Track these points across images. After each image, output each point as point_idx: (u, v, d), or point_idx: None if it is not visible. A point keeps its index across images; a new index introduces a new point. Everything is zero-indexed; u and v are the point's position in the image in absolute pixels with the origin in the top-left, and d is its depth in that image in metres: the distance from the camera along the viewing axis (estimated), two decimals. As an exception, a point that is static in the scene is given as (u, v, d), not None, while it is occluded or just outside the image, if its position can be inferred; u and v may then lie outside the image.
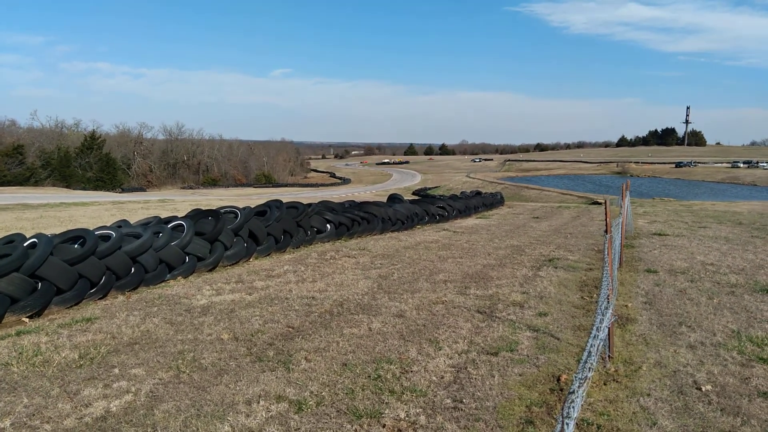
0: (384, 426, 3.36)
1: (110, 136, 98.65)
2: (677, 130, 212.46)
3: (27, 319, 5.48)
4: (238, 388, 3.88)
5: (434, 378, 4.10)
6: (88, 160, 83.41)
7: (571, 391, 1.74)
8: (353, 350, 4.68)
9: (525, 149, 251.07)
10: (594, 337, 2.56)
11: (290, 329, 5.25)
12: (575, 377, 2.61)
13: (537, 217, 18.91)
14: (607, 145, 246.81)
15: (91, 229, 6.95)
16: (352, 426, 3.36)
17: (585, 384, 1.99)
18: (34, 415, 3.40)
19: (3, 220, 17.24)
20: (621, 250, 8.36)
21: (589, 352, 2.23)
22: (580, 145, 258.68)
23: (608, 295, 3.76)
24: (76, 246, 6.33)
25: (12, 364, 4.18)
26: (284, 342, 4.87)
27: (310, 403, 3.66)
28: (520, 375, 4.18)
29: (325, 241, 11.13)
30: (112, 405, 3.55)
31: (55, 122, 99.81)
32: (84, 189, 70.52)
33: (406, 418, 3.46)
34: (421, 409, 3.58)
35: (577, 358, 4.50)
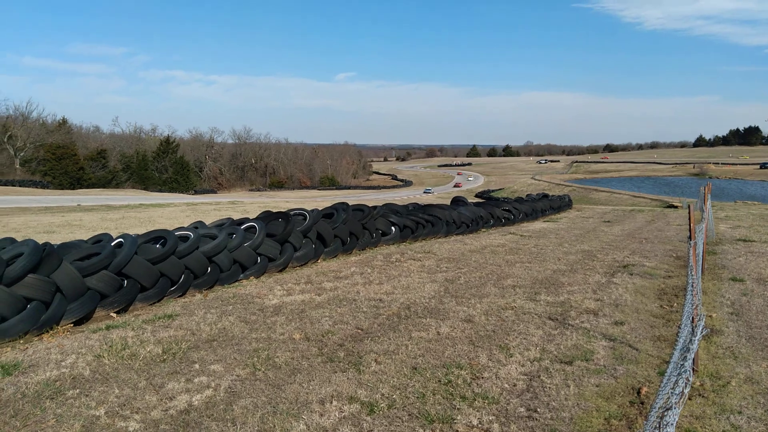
0: (457, 432, 3.33)
1: (184, 141, 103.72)
2: (761, 128, 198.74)
3: (115, 315, 5.83)
4: (311, 387, 3.96)
5: (506, 385, 4.03)
6: (164, 164, 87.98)
7: (668, 407, 1.66)
8: (422, 354, 4.67)
9: (594, 150, 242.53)
10: (685, 349, 2.42)
11: (359, 331, 5.31)
12: (660, 392, 2.48)
13: (608, 221, 18.20)
14: (683, 145, 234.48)
15: (171, 229, 7.31)
16: (424, 430, 3.35)
17: (682, 399, 1.89)
18: (124, 405, 3.61)
19: (90, 221, 18.46)
20: (703, 257, 7.90)
21: (682, 366, 2.11)
22: (653, 146, 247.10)
23: (696, 305, 3.56)
24: (157, 246, 6.67)
25: (104, 356, 4.46)
26: (354, 343, 4.93)
27: (382, 405, 3.68)
28: (597, 386, 4.03)
29: (390, 243, 11.18)
30: (194, 399, 3.72)
31: (134, 128, 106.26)
32: (160, 191, 74.44)
33: (479, 425, 3.42)
34: (494, 417, 3.52)
35: (658, 371, 4.29)
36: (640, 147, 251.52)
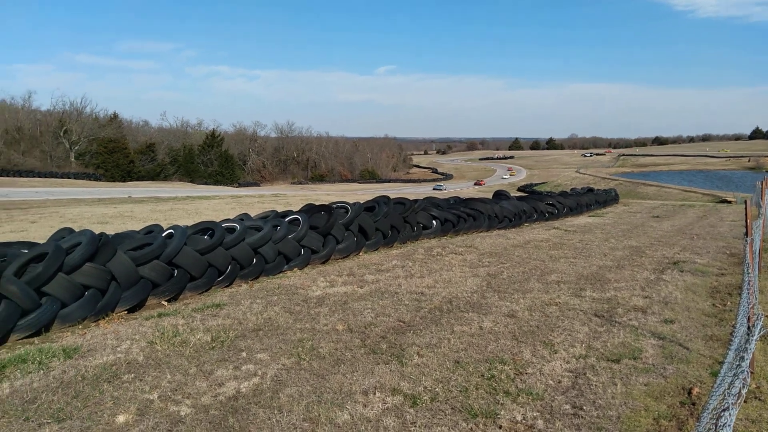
0: (500, 427, 3.32)
1: (228, 135, 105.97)
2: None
3: (166, 303, 6.05)
4: (354, 378, 4.02)
5: (551, 382, 3.98)
6: (209, 157, 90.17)
7: (725, 408, 1.61)
8: (465, 348, 4.66)
9: (642, 143, 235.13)
10: (741, 349, 2.34)
11: (401, 323, 5.33)
12: (714, 392, 2.41)
13: (657, 216, 17.63)
14: (737, 137, 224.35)
15: (218, 221, 7.51)
16: (467, 424, 3.35)
17: (738, 401, 1.83)
18: (176, 390, 3.75)
19: (141, 212, 19.15)
20: (760, 255, 7.57)
21: (738, 366, 2.04)
22: (705, 138, 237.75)
23: (753, 305, 3.43)
24: (206, 237, 6.87)
25: (156, 343, 4.64)
26: (396, 336, 4.96)
27: (425, 398, 3.70)
28: (645, 385, 3.93)
29: (431, 237, 11.16)
30: (242, 386, 3.83)
31: (181, 122, 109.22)
32: (206, 183, 76.41)
33: (523, 421, 3.39)
34: (538, 413, 3.49)
35: (711, 371, 4.15)
36: (691, 139, 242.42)
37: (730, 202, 32.43)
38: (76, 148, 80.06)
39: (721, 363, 4.17)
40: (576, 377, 4.06)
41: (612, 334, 5.02)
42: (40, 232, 13.00)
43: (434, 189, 78.90)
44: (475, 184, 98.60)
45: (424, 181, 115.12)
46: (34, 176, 59.97)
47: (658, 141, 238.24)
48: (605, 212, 19.57)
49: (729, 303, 6.18)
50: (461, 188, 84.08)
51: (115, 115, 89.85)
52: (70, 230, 6.44)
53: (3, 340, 4.71)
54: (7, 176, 56.54)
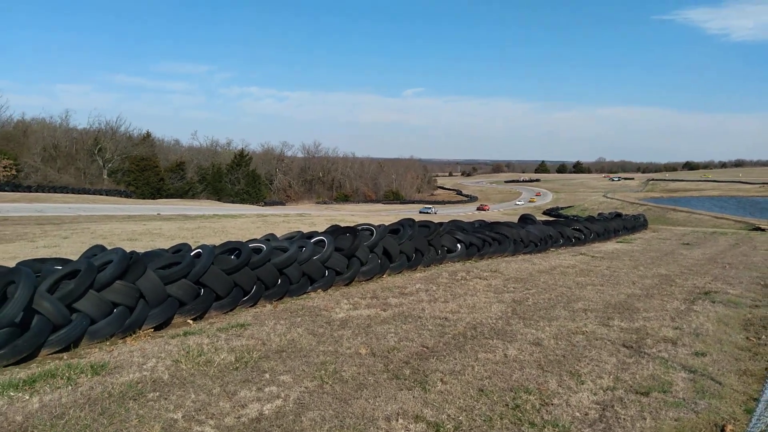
0: (525, 459, 3.25)
1: (256, 154, 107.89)
2: None
3: (191, 322, 6.12)
4: (377, 403, 3.99)
5: (577, 414, 3.89)
6: (237, 176, 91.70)
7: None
8: (489, 376, 4.60)
9: (671, 168, 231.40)
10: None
11: (424, 349, 5.29)
12: (748, 431, 2.33)
13: (687, 244, 17.23)
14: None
15: (243, 240, 7.60)
16: (491, 455, 3.29)
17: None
18: (200, 410, 3.78)
19: (169, 230, 19.49)
20: (796, 287, 7.33)
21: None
22: (738, 164, 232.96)
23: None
24: (232, 257, 6.95)
25: (181, 362, 4.69)
26: (419, 361, 4.92)
27: (448, 426, 3.65)
28: (675, 420, 3.81)
29: (455, 260, 11.10)
30: (265, 408, 3.84)
31: (211, 141, 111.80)
32: (232, 202, 77.63)
33: (549, 454, 3.32)
34: (564, 446, 3.41)
35: (745, 408, 4.00)
36: (723, 165, 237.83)
37: (764, 229, 31.53)
38: (110, 165, 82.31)
39: (756, 400, 4.04)
40: (603, 410, 3.97)
41: (641, 366, 4.90)
42: (72, 248, 13.33)
43: (420, 212, 69.51)
44: (478, 209, 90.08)
45: (449, 202, 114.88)
46: (68, 192, 61.73)
47: (689, 166, 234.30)
48: (634, 238, 19.21)
49: (764, 336, 5.98)
50: (458, 212, 73.84)
51: (148, 134, 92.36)
52: (102, 248, 6.60)
53: (34, 354, 4.82)
54: (44, 192, 58.35)
